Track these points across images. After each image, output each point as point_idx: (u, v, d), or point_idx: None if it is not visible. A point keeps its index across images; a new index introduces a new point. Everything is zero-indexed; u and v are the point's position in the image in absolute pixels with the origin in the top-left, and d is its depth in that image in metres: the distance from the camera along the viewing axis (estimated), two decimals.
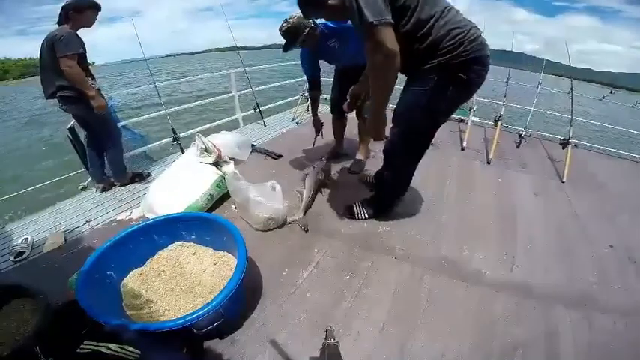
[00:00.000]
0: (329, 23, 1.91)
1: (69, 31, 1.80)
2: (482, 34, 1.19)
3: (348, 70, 2.01)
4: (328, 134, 2.54)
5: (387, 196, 1.75)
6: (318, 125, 2.41)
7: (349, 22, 1.53)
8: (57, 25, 1.84)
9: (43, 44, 1.81)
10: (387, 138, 1.47)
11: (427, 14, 1.13)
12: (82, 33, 1.90)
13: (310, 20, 1.79)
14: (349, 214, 1.82)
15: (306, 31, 1.78)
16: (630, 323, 1.28)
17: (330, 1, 1.25)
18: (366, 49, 1.09)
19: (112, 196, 2.17)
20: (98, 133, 2.11)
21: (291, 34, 1.80)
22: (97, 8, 1.91)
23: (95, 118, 1.97)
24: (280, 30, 1.81)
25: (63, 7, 1.81)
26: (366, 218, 1.81)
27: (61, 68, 1.75)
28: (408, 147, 1.46)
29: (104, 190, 2.23)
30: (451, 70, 1.17)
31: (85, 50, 1.87)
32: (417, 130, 1.39)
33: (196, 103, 3.53)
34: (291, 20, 1.78)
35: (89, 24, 1.92)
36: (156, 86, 2.92)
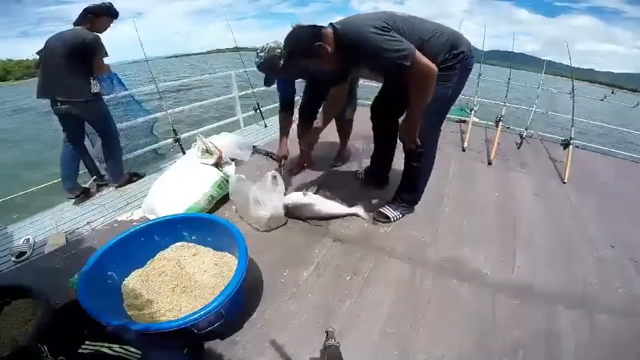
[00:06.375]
0: None
1: (97, 36, 1.89)
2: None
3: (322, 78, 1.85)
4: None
5: (423, 182, 1.80)
6: (283, 152, 2.27)
7: None
8: (69, 26, 1.92)
9: (54, 44, 1.82)
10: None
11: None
12: None
13: (279, 44, 1.67)
14: (384, 218, 1.79)
15: (282, 60, 1.62)
16: (631, 324, 1.28)
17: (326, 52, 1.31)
18: (415, 77, 1.25)
19: (112, 197, 2.17)
20: (101, 134, 2.13)
21: (269, 68, 1.71)
22: (113, 16, 1.99)
23: (97, 117, 2.02)
24: (257, 67, 1.73)
25: (85, 9, 1.90)
26: (399, 218, 1.81)
27: (97, 68, 1.94)
28: (437, 133, 1.64)
29: (77, 197, 2.10)
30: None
31: None
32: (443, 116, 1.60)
33: (197, 104, 3.54)
34: (262, 54, 1.68)
35: (102, 29, 1.99)
36: (157, 87, 2.92)
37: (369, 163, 2.23)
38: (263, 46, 1.69)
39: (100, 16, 1.93)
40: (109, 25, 2.02)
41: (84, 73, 1.89)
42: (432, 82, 1.27)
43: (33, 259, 1.60)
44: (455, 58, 1.36)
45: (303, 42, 1.30)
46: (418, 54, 1.21)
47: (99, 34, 1.91)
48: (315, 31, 1.31)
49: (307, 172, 2.27)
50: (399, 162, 2.07)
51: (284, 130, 2.29)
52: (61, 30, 1.90)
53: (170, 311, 1.13)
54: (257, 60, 1.72)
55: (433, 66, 1.24)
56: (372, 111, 1.91)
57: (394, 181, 1.88)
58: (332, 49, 1.30)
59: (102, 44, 1.90)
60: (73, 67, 1.83)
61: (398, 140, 1.73)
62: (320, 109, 1.88)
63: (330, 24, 1.34)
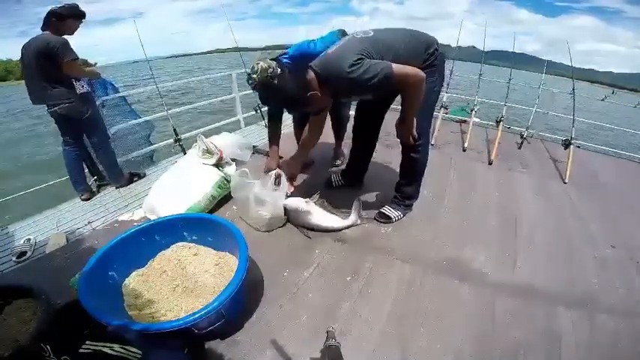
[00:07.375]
0: (291, 51, 1.75)
1: (63, 39, 1.82)
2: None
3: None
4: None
5: (421, 174, 1.79)
6: (270, 165, 2.11)
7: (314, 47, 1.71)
8: (39, 31, 1.86)
9: (27, 50, 1.79)
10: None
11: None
12: (80, 35, 1.95)
13: (271, 63, 1.51)
14: (385, 219, 1.79)
15: (276, 79, 1.49)
16: (631, 324, 1.28)
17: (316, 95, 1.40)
18: (402, 86, 1.34)
19: (113, 197, 2.17)
20: (89, 136, 2.11)
21: (265, 89, 1.57)
22: (80, 17, 1.92)
23: (85, 118, 1.99)
24: (252, 88, 1.63)
25: (48, 12, 1.83)
26: (400, 218, 1.81)
27: (66, 71, 1.83)
28: (429, 125, 1.74)
29: (88, 199, 2.14)
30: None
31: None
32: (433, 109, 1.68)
33: (198, 104, 3.54)
34: (255, 76, 1.53)
35: (70, 32, 1.91)
36: (157, 87, 2.92)
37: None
38: (254, 67, 1.56)
39: (66, 19, 1.85)
40: (77, 27, 1.93)
41: (60, 77, 1.84)
42: (420, 85, 1.34)
43: (34, 259, 1.60)
44: (432, 56, 1.45)
45: (295, 96, 1.39)
46: (395, 66, 1.27)
47: (66, 37, 1.84)
48: (303, 82, 1.38)
49: (310, 173, 2.28)
50: (391, 162, 2.19)
51: (273, 141, 2.24)
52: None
53: (170, 311, 1.13)
54: (251, 82, 1.60)
55: (417, 70, 1.31)
56: (358, 111, 1.89)
57: (391, 182, 1.87)
58: (321, 93, 1.40)
59: (68, 47, 1.82)
60: (45, 72, 1.80)
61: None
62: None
63: (310, 66, 1.41)
